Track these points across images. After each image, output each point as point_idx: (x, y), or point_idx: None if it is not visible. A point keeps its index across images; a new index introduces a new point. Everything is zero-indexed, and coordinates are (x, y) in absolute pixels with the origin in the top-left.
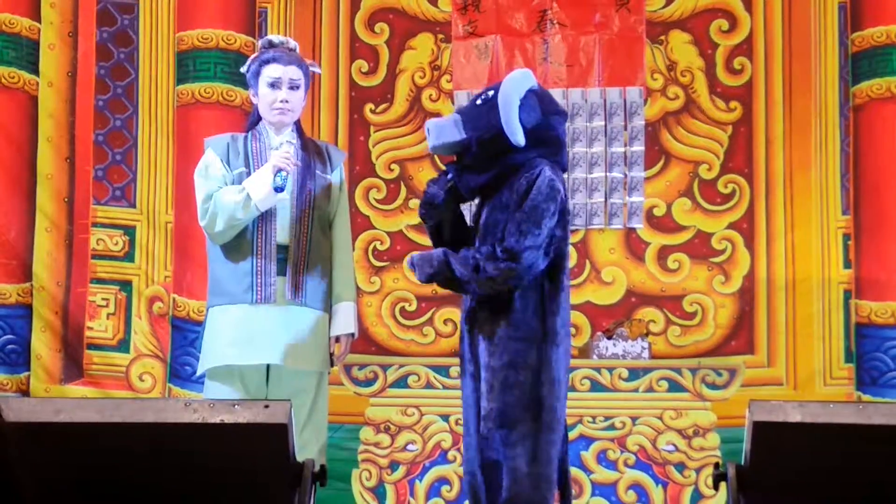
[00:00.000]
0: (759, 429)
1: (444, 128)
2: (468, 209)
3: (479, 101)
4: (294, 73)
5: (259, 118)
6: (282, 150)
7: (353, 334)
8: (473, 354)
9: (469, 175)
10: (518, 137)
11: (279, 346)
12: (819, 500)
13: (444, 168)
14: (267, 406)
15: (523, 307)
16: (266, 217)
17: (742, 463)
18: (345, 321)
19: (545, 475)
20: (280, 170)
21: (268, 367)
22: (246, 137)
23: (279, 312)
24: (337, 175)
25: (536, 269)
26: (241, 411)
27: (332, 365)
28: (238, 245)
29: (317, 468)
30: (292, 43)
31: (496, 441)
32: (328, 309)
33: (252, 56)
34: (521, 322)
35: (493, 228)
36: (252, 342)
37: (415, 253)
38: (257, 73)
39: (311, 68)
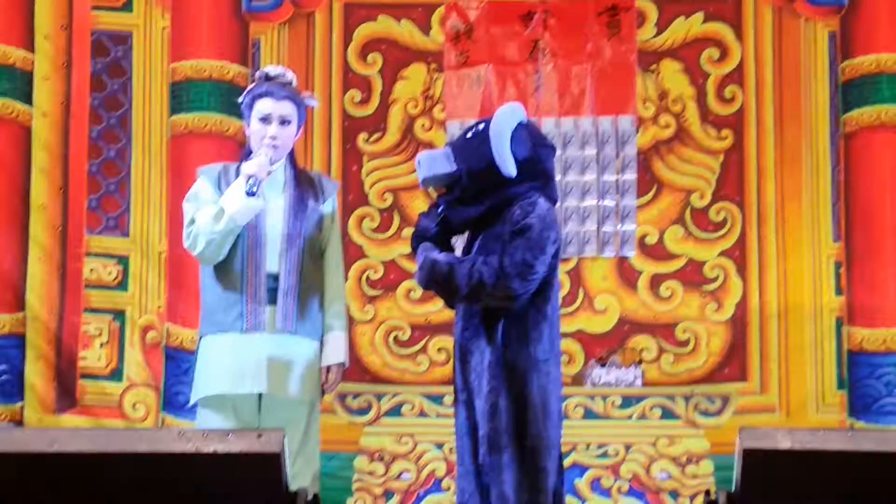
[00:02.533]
0: (749, 456)
1: (435, 160)
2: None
3: (469, 135)
4: (285, 108)
5: (251, 150)
6: (256, 159)
7: (343, 363)
8: (465, 382)
9: (460, 208)
10: (510, 169)
11: (270, 375)
12: None
13: (435, 200)
14: (260, 436)
15: (509, 335)
16: (256, 246)
17: (733, 490)
18: (335, 350)
19: (534, 502)
20: (251, 175)
21: (259, 396)
22: (238, 167)
23: (270, 341)
24: (329, 205)
25: (529, 294)
26: (234, 441)
27: (322, 395)
28: (228, 274)
29: (310, 497)
30: (289, 75)
31: (486, 466)
32: (320, 338)
33: (248, 87)
34: (507, 349)
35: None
36: (243, 371)
37: (426, 256)
38: (250, 106)
39: (307, 101)
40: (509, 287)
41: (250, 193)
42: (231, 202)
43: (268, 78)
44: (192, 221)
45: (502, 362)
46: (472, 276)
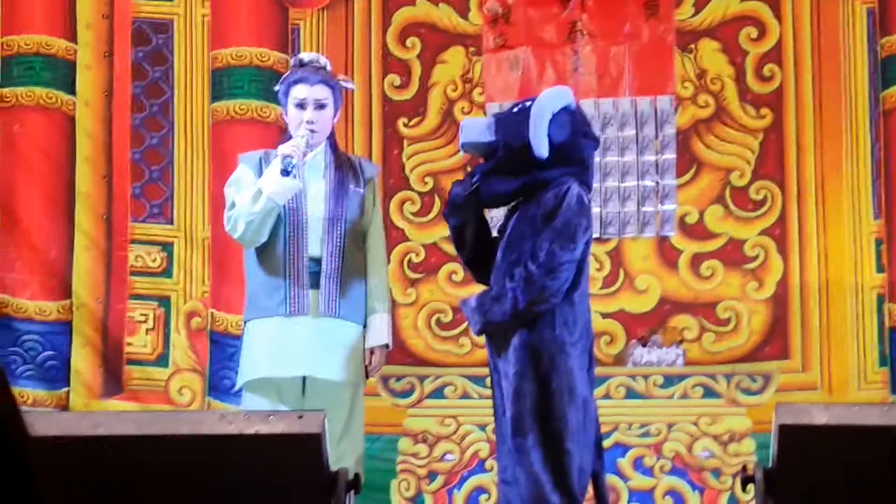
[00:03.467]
0: (786, 432)
1: (477, 127)
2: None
3: (515, 109)
4: (320, 92)
5: (290, 136)
6: (292, 140)
7: (387, 345)
8: (496, 364)
9: (493, 180)
10: (542, 150)
11: (314, 357)
12: (847, 502)
13: (472, 170)
14: (301, 416)
15: (535, 319)
16: (298, 230)
17: (769, 466)
18: (378, 332)
19: (561, 484)
20: (286, 155)
21: (304, 379)
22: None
23: (313, 325)
24: (370, 188)
25: (567, 283)
26: (275, 422)
27: (367, 377)
28: (271, 259)
29: (351, 477)
30: (322, 60)
31: (514, 448)
32: (363, 321)
33: (284, 75)
34: (533, 333)
35: (519, 241)
36: (287, 355)
37: (464, 308)
38: (286, 94)
39: (343, 84)
40: (544, 292)
41: (285, 173)
42: (268, 182)
43: (301, 64)
44: (233, 205)
45: (528, 346)
46: (512, 304)
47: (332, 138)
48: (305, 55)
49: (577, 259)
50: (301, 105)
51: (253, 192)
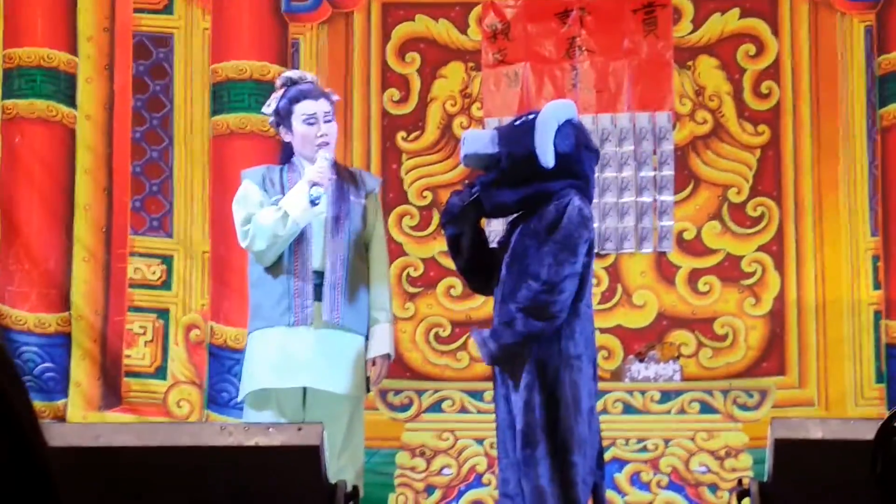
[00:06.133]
0: (781, 446)
1: (479, 139)
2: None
3: (518, 122)
4: (324, 105)
5: (291, 153)
6: (316, 164)
7: (388, 355)
8: (503, 378)
9: (495, 191)
10: (548, 158)
11: (315, 369)
12: None
13: (472, 181)
14: (300, 429)
15: None
16: (302, 241)
17: (764, 479)
18: (380, 343)
19: (566, 497)
20: (315, 184)
21: (304, 391)
22: (282, 169)
23: (316, 335)
24: (372, 199)
25: (569, 299)
26: (274, 434)
27: (368, 389)
28: (275, 270)
29: (349, 489)
30: (310, 76)
31: (521, 461)
32: (366, 332)
33: (273, 95)
34: (540, 346)
35: (522, 255)
36: (288, 365)
37: (476, 336)
38: (289, 112)
39: (331, 97)
40: (550, 310)
41: (313, 203)
42: (294, 207)
43: (293, 82)
44: (248, 220)
45: (535, 358)
46: (523, 325)
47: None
48: (293, 73)
49: (578, 272)
50: (310, 120)
51: (277, 213)
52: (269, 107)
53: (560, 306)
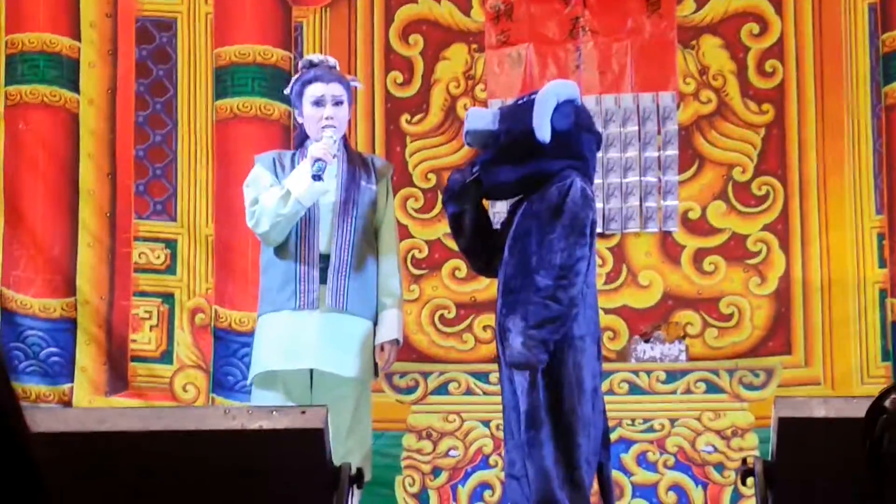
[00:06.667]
0: (785, 425)
1: (481, 116)
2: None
3: (520, 101)
4: (336, 89)
5: (305, 137)
6: (321, 142)
7: (396, 340)
8: (506, 360)
9: (495, 169)
10: (544, 133)
11: (321, 351)
12: (846, 494)
13: (473, 159)
14: (303, 412)
15: None
16: (308, 225)
17: (769, 459)
18: (388, 328)
19: (571, 478)
20: (318, 159)
21: (311, 373)
22: (294, 154)
23: (322, 319)
24: (383, 185)
25: (578, 285)
26: (278, 417)
27: (377, 373)
28: (282, 254)
29: (353, 472)
30: (332, 60)
31: (526, 442)
32: (373, 317)
33: (294, 77)
34: None
35: (524, 237)
36: (294, 348)
37: (519, 356)
38: (300, 94)
39: (351, 83)
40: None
41: (317, 177)
42: (297, 185)
43: (312, 65)
44: (255, 202)
45: None
46: (553, 322)
47: (344, 137)
48: (315, 56)
49: (587, 255)
50: (318, 102)
51: (280, 192)
52: (288, 89)
53: (578, 289)
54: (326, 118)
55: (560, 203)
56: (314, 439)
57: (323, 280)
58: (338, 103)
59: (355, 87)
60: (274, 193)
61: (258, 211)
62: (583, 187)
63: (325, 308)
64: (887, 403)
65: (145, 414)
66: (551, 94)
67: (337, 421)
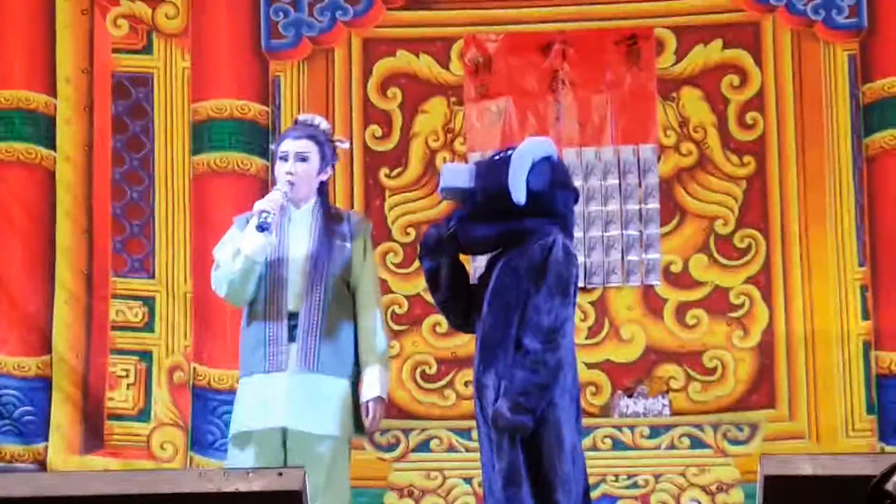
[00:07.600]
0: (771, 483)
1: (456, 173)
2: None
3: (496, 157)
4: (303, 146)
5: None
6: (270, 193)
7: (379, 397)
8: (484, 417)
9: (471, 225)
10: (519, 195)
11: (291, 410)
12: None
13: (450, 214)
14: (280, 473)
15: None
16: (277, 285)
17: None
18: (370, 386)
19: None
20: (263, 210)
21: (285, 434)
22: None
23: (291, 380)
24: (359, 243)
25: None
26: (255, 479)
27: (362, 432)
28: (253, 314)
29: None
30: (317, 120)
31: (505, 501)
32: (350, 375)
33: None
34: None
35: (503, 292)
36: (265, 407)
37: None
38: (275, 151)
39: (338, 144)
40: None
41: (261, 228)
42: (245, 241)
43: (295, 123)
44: (217, 265)
45: None
46: (540, 389)
47: (323, 195)
48: (302, 116)
49: (572, 314)
50: (283, 157)
51: (232, 250)
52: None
53: (561, 357)
54: (287, 173)
55: (543, 262)
56: (291, 502)
57: (292, 338)
58: (301, 159)
59: (340, 147)
60: (227, 252)
61: (217, 274)
62: (565, 244)
63: (293, 370)
64: (889, 487)
65: (120, 477)
66: (527, 154)
67: (312, 479)
